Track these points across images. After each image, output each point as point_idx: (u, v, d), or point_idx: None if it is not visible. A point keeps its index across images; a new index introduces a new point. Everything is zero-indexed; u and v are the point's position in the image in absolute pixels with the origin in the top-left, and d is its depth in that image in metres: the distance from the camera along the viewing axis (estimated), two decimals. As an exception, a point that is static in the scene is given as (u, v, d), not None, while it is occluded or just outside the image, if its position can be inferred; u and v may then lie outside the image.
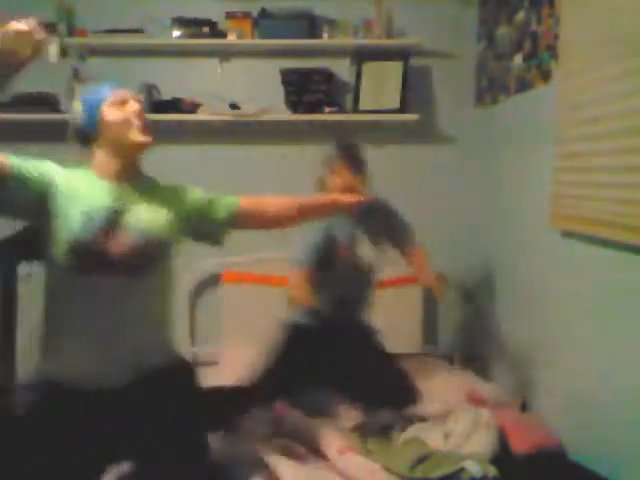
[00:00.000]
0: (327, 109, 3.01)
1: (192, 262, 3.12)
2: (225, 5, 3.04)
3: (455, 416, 2.07)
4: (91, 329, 1.53)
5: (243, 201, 1.77)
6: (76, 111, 1.62)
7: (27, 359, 1.67)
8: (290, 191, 3.09)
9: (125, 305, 1.54)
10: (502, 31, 2.78)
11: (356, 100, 3.05)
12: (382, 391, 2.23)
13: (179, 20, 3.00)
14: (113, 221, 1.54)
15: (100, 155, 1.61)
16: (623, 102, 1.71)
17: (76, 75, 3.03)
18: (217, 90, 3.07)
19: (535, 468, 1.83)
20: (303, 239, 2.26)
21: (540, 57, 2.35)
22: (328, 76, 3.02)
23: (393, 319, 2.80)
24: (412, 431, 2.03)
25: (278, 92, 3.04)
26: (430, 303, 3.21)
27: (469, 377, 2.68)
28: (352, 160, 2.31)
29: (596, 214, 1.85)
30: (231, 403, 2.13)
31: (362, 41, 3.03)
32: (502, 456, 1.87)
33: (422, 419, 2.14)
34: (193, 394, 1.69)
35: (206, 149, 3.17)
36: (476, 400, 2.29)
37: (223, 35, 3.02)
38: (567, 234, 2.10)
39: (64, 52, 2.73)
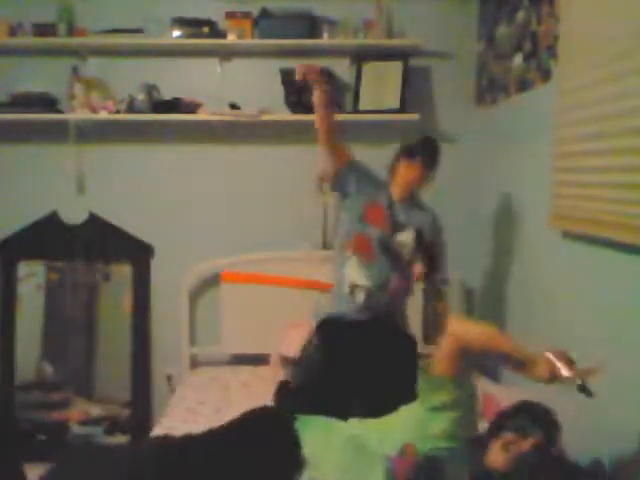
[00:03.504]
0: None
1: (192, 262, 3.12)
2: (225, 5, 3.04)
3: None
4: None
5: None
6: None
7: (27, 359, 1.67)
8: (289, 191, 3.17)
9: None
10: (502, 31, 2.78)
11: (356, 100, 3.05)
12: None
13: (179, 20, 3.00)
14: None
15: None
16: (623, 102, 1.71)
17: (76, 75, 3.03)
18: (217, 90, 3.07)
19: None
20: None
21: (540, 57, 2.35)
22: (328, 76, 3.02)
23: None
24: None
25: (278, 92, 3.04)
26: (430, 303, 3.21)
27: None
28: (430, 155, 2.31)
29: (596, 214, 1.85)
30: None
31: (362, 41, 3.03)
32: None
33: None
34: None
35: (206, 149, 3.17)
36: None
37: (223, 35, 3.02)
38: (567, 234, 2.10)
39: None
